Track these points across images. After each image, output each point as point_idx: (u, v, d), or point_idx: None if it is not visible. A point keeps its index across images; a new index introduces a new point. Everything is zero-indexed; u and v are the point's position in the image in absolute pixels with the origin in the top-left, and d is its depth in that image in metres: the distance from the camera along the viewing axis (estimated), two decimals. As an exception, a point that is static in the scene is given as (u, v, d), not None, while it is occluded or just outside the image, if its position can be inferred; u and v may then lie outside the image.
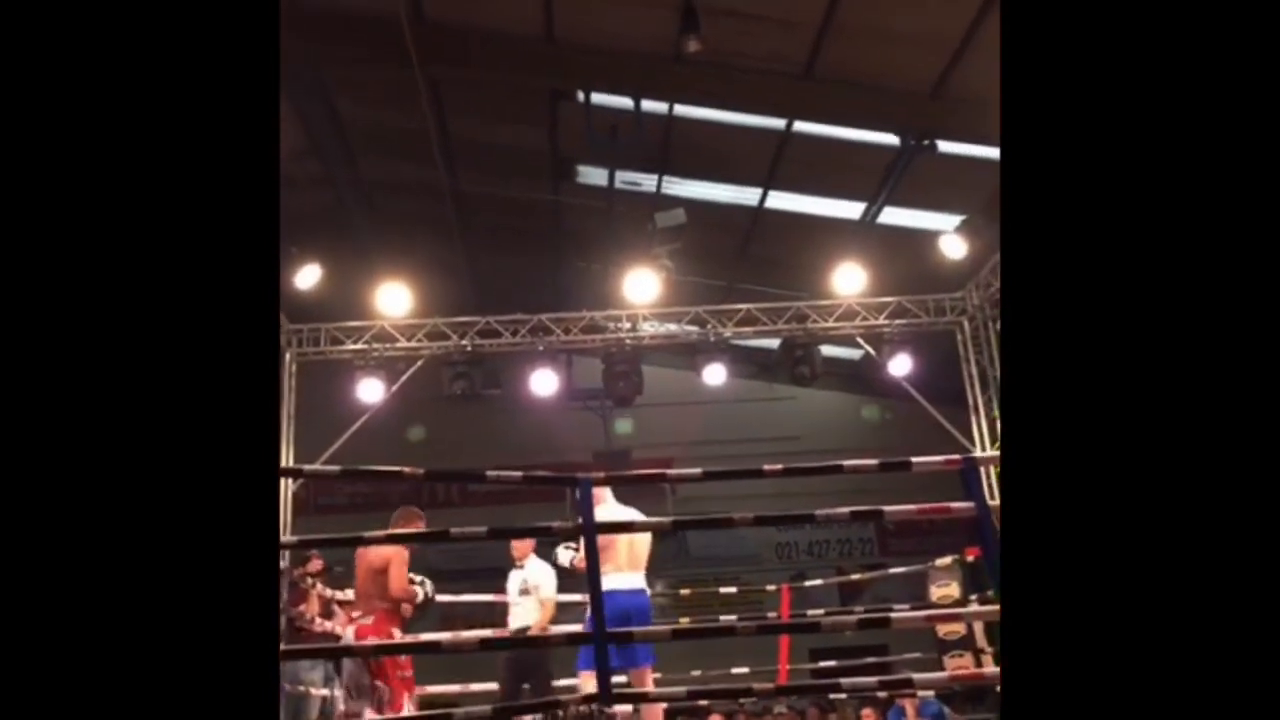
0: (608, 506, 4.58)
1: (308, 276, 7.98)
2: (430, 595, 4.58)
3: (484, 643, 3.57)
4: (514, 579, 5.76)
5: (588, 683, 4.26)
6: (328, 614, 5.95)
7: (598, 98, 8.35)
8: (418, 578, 4.55)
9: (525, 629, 5.46)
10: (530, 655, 5.38)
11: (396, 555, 4.40)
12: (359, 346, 8.27)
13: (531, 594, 5.54)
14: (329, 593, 6.05)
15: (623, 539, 4.39)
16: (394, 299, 8.19)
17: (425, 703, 6.31)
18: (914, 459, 4.13)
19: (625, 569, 4.41)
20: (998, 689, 4.89)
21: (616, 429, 12.79)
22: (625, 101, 8.28)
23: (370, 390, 8.18)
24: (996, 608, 3.68)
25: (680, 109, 8.37)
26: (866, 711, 7.92)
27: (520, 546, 5.70)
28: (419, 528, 4.28)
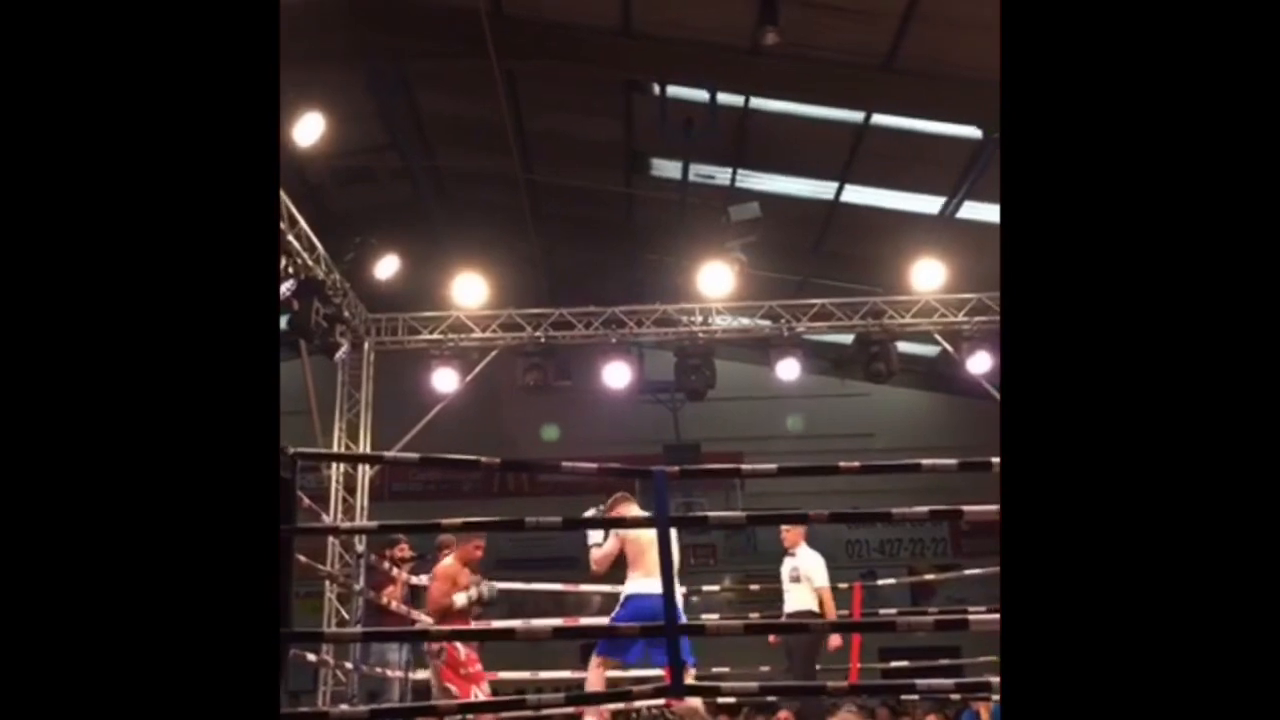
0: (635, 512, 4.57)
1: (386, 267, 8.12)
2: (485, 597, 4.72)
3: (557, 631, 3.59)
4: (786, 565, 5.84)
5: (596, 671, 4.25)
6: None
7: (673, 90, 8.34)
8: (473, 585, 4.72)
9: (802, 612, 5.57)
10: (807, 640, 5.51)
11: (440, 571, 4.62)
12: (434, 336, 8.39)
13: (804, 581, 5.67)
14: (408, 578, 6.16)
15: (650, 544, 4.30)
16: (469, 290, 8.30)
17: (496, 689, 6.39)
18: (995, 459, 4.04)
19: (654, 574, 4.30)
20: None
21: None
22: (700, 94, 8.25)
23: (445, 380, 8.30)
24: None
25: (756, 101, 8.31)
26: (932, 717, 7.77)
27: (791, 534, 5.80)
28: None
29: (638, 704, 4.07)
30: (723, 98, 8.24)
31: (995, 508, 3.96)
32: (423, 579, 6.19)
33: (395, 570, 5.93)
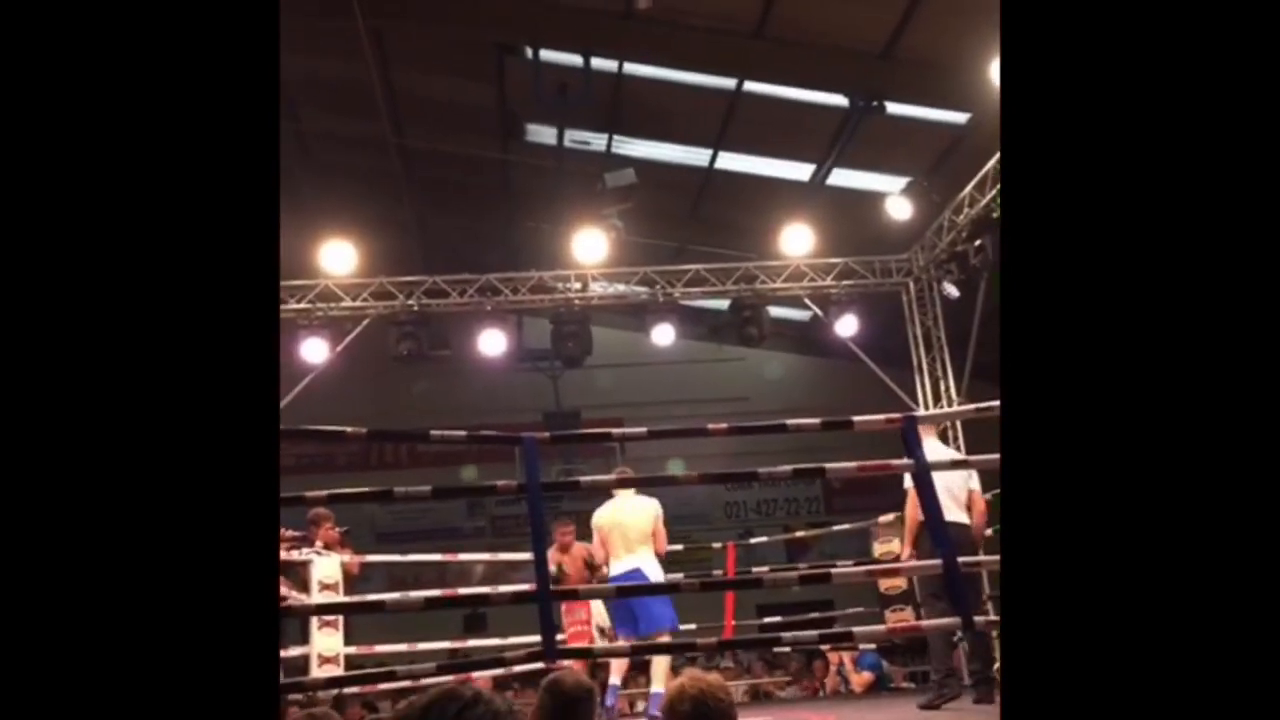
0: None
1: (249, 234, 7.80)
2: None
3: (429, 602, 3.56)
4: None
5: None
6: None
7: (546, 54, 8.23)
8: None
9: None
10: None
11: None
12: (302, 306, 8.13)
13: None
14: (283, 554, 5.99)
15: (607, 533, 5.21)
16: (338, 257, 8.05)
17: (372, 662, 6.32)
18: (856, 418, 4.19)
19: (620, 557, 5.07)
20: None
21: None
22: (574, 58, 8.18)
23: (315, 350, 8.06)
24: (934, 562, 3.76)
25: (630, 67, 8.28)
26: (819, 663, 8.08)
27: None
28: None
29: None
30: (597, 63, 8.18)
31: (855, 465, 4.13)
32: (303, 553, 6.04)
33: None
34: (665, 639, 4.83)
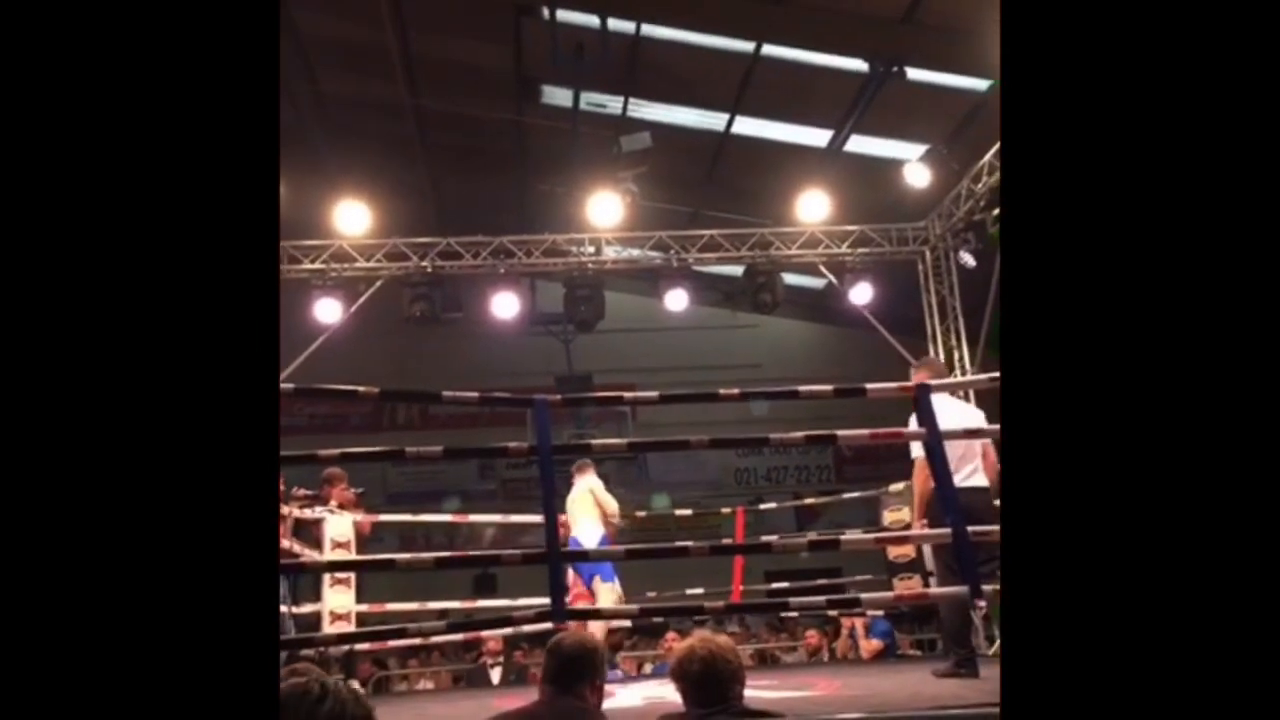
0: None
1: (264, 193, 7.78)
2: None
3: (439, 561, 3.59)
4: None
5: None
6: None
7: (563, 14, 8.14)
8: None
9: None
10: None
11: None
12: (317, 266, 8.13)
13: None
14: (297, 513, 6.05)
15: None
16: (353, 218, 8.02)
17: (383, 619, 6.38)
18: (869, 385, 4.18)
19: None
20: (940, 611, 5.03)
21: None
22: (591, 19, 8.09)
23: (328, 311, 8.07)
24: (943, 531, 3.76)
25: (648, 29, 8.19)
26: (810, 633, 8.09)
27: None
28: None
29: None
30: (614, 24, 8.10)
31: (867, 432, 4.12)
32: (316, 512, 6.09)
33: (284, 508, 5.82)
34: (601, 586, 5.40)
